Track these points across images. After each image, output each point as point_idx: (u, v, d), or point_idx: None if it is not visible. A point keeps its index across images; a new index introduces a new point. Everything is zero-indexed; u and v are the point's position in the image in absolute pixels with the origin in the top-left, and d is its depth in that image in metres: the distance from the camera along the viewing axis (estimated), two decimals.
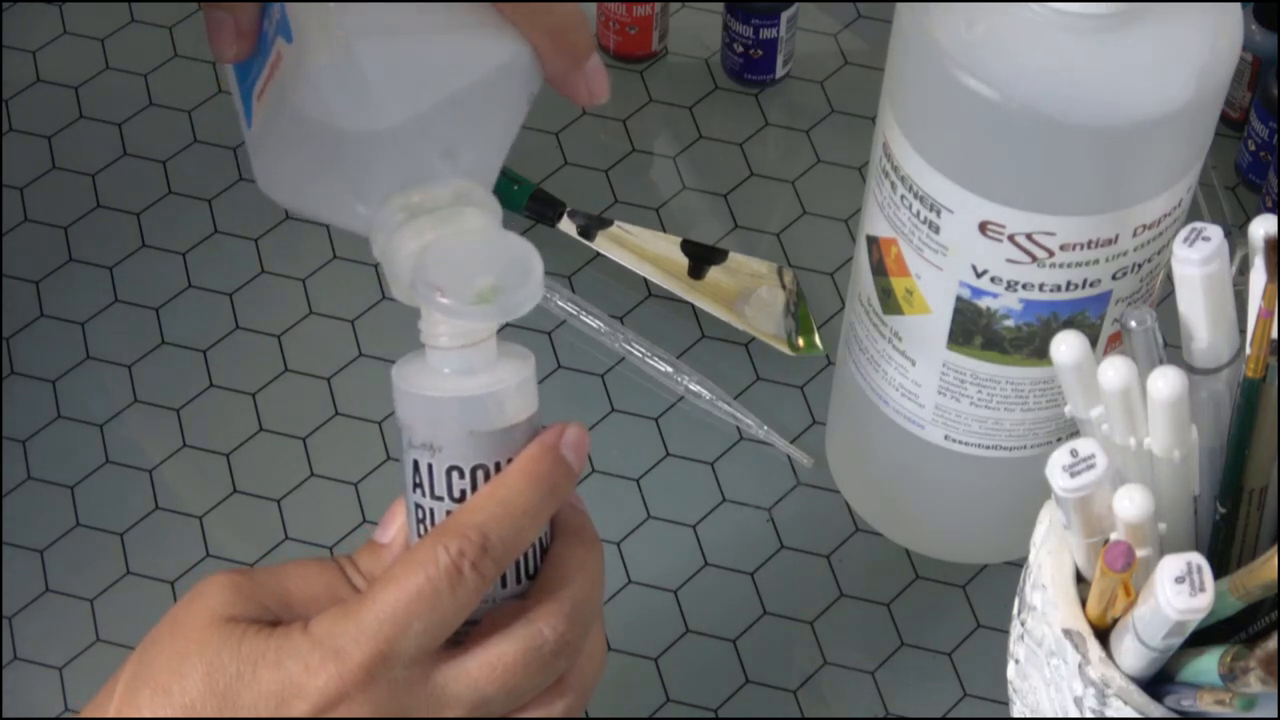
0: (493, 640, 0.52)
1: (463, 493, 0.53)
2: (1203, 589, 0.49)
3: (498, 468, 0.53)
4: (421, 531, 0.54)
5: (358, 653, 0.50)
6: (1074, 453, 0.51)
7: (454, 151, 0.52)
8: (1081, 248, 0.60)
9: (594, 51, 0.54)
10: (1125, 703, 0.53)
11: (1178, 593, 0.49)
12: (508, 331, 0.53)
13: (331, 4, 0.51)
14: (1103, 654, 0.54)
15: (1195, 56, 0.58)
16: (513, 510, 0.52)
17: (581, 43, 0.54)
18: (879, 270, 0.65)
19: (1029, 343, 0.63)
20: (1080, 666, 0.54)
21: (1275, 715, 0.51)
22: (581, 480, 0.76)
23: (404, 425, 0.53)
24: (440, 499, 0.53)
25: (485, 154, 0.54)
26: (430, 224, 0.51)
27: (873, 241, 0.65)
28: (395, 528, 0.56)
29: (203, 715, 0.51)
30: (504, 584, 0.54)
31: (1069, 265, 0.61)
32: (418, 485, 0.53)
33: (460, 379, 0.52)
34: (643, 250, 0.82)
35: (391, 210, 0.52)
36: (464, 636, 0.53)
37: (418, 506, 0.53)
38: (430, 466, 0.53)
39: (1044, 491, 0.53)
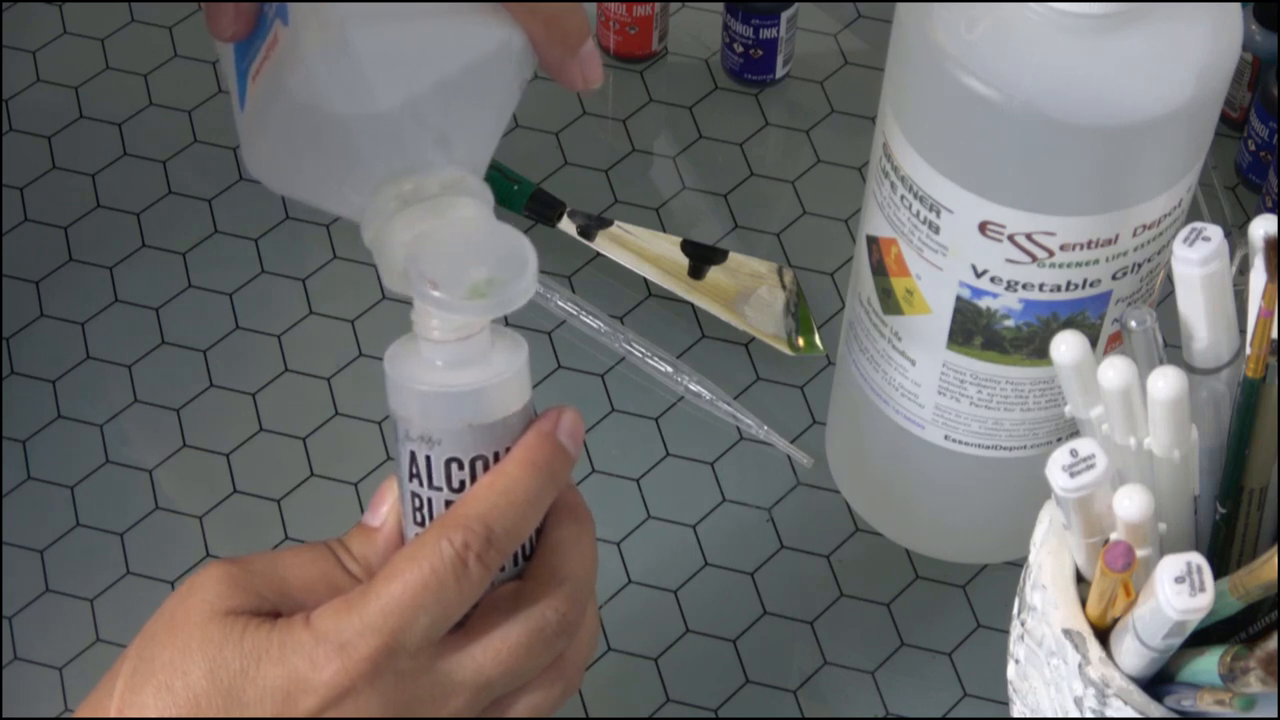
0: (496, 624, 0.52)
1: (462, 483, 0.53)
2: (1203, 589, 0.49)
3: (496, 457, 0.53)
4: (419, 520, 0.54)
5: (363, 646, 0.50)
6: (1074, 453, 0.51)
7: (446, 138, 0.52)
8: (1081, 248, 0.60)
9: (589, 37, 0.54)
10: (1125, 703, 0.53)
11: (1178, 593, 0.49)
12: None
13: None
14: (1103, 654, 0.54)
15: (1195, 56, 0.58)
16: (514, 500, 0.52)
17: (575, 29, 0.53)
18: (879, 270, 0.65)
19: (1029, 343, 0.63)
20: (1080, 666, 0.54)
21: (1275, 715, 0.51)
22: (581, 480, 0.77)
23: (399, 417, 0.53)
24: (439, 489, 0.53)
25: (477, 141, 0.53)
26: (423, 213, 0.51)
27: (873, 241, 0.65)
28: (385, 509, 0.55)
29: (208, 712, 0.51)
30: (501, 568, 0.54)
31: (1069, 265, 0.61)
32: (414, 475, 0.53)
33: (457, 372, 0.52)
34: (643, 250, 0.82)
35: (384, 199, 0.51)
36: (464, 620, 0.53)
37: (414, 495, 0.53)
38: (428, 459, 0.52)
39: (1044, 491, 0.53)
